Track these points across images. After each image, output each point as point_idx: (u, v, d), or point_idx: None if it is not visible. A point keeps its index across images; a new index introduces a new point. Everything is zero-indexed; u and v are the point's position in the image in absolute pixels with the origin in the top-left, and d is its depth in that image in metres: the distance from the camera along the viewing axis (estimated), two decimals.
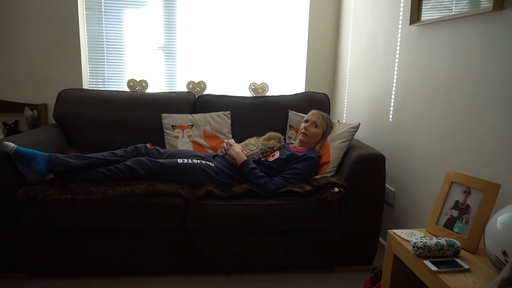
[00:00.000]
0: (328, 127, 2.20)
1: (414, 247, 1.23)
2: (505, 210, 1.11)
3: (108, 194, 1.78)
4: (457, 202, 1.37)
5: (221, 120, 2.47)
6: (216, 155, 2.14)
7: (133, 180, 1.89)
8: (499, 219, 1.10)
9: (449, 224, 1.37)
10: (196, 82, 2.92)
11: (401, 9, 2.09)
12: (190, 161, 1.99)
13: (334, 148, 2.06)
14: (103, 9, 2.89)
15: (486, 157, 1.48)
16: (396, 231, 1.41)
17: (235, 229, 1.87)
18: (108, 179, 1.87)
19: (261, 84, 2.89)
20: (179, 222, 1.86)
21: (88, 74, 2.98)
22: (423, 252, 1.21)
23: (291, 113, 2.52)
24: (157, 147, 2.17)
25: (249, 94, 2.92)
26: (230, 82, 3.13)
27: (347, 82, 2.88)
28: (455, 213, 1.36)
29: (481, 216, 1.26)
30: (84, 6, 2.87)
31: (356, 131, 2.06)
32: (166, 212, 1.82)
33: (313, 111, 2.24)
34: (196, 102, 2.58)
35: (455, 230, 1.34)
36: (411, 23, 1.94)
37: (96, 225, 1.81)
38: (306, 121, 2.21)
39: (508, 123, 1.37)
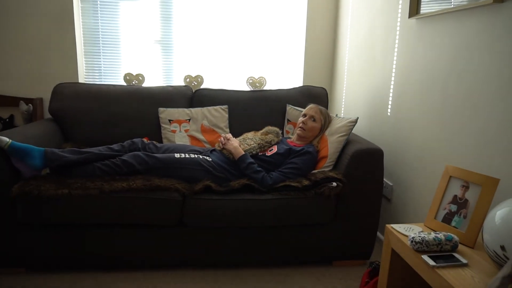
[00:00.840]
0: (326, 121, 2.18)
1: (412, 241, 1.23)
2: (503, 205, 1.10)
3: (104, 189, 1.77)
4: (455, 196, 1.37)
5: (219, 114, 2.46)
6: (214, 150, 2.13)
7: (130, 175, 1.87)
8: (498, 213, 1.09)
9: (447, 219, 1.36)
10: (193, 76, 2.89)
11: (400, 1, 2.07)
12: (187, 155, 1.97)
13: (332, 143, 2.05)
14: (98, 2, 2.85)
15: (485, 152, 1.47)
16: (394, 225, 1.41)
17: (232, 224, 1.87)
18: (105, 174, 1.85)
19: (258, 78, 2.87)
20: (176, 217, 1.85)
21: (84, 67, 2.95)
22: (421, 246, 1.21)
23: (289, 107, 2.51)
24: (154, 142, 2.15)
25: (246, 88, 2.90)
26: (227, 76, 3.11)
27: (345, 76, 2.86)
28: (453, 207, 1.36)
29: (479, 210, 1.26)
30: None
31: (354, 125, 2.05)
32: (163, 207, 1.81)
33: (311, 105, 2.23)
34: (193, 96, 2.57)
35: (453, 224, 1.34)
36: (410, 16, 1.92)
37: (92, 220, 1.80)
38: (304, 115, 2.19)
39: (508, 118, 1.36)
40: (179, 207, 1.84)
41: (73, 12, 2.77)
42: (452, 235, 1.23)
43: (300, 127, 2.15)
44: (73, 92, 2.41)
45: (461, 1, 1.56)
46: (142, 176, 1.87)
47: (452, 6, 1.62)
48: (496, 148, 1.41)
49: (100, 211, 1.78)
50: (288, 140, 2.23)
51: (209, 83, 3.07)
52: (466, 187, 1.34)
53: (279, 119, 2.52)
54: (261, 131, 2.25)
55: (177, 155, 1.95)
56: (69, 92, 2.41)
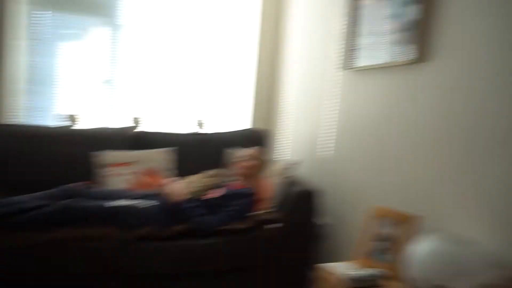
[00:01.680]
0: (262, 161, 2.26)
1: (347, 279, 1.27)
2: (425, 240, 1.19)
3: (30, 242, 1.63)
4: (382, 233, 1.46)
5: (162, 157, 2.42)
6: (155, 194, 2.07)
7: (61, 225, 1.74)
8: (421, 248, 1.17)
9: (376, 255, 1.44)
10: (135, 117, 2.85)
11: (335, 54, 2.26)
12: (123, 202, 1.88)
13: (273, 185, 2.09)
14: (34, 40, 2.75)
15: (411, 191, 1.60)
16: (329, 264, 1.45)
17: (174, 270, 1.80)
18: (31, 226, 1.70)
19: (203, 120, 2.91)
20: (113, 267, 1.74)
21: (18, 106, 2.77)
22: (357, 283, 1.26)
23: (232, 150, 2.55)
24: (91, 186, 2.05)
25: (191, 129, 2.91)
26: (172, 117, 3.10)
27: (288, 120, 3.00)
28: (381, 244, 1.44)
29: (403, 246, 1.34)
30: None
31: (295, 167, 2.13)
32: (96, 256, 1.70)
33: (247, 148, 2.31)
34: (135, 138, 2.51)
35: (382, 260, 1.41)
36: (344, 68, 2.10)
37: (15, 278, 1.64)
38: (241, 157, 2.26)
39: (430, 160, 1.51)
40: (115, 256, 1.73)
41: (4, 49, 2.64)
42: (381, 270, 1.30)
43: (238, 168, 2.22)
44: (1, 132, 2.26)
45: (390, 59, 1.74)
46: (75, 224, 1.75)
47: (381, 62, 1.80)
48: (421, 187, 1.54)
49: (23, 266, 1.63)
50: (232, 182, 2.24)
51: (152, 125, 3.03)
52: (392, 225, 1.44)
53: (223, 162, 2.54)
54: (206, 174, 2.25)
55: (111, 203, 1.85)
56: None
